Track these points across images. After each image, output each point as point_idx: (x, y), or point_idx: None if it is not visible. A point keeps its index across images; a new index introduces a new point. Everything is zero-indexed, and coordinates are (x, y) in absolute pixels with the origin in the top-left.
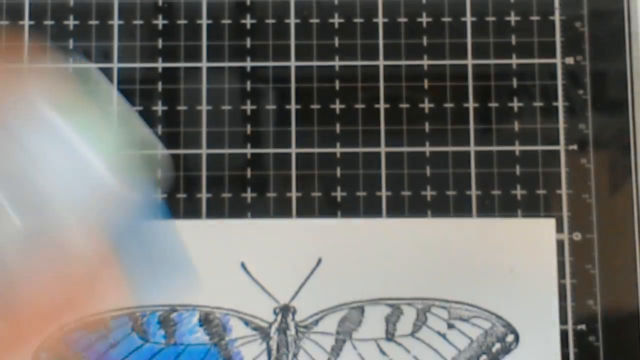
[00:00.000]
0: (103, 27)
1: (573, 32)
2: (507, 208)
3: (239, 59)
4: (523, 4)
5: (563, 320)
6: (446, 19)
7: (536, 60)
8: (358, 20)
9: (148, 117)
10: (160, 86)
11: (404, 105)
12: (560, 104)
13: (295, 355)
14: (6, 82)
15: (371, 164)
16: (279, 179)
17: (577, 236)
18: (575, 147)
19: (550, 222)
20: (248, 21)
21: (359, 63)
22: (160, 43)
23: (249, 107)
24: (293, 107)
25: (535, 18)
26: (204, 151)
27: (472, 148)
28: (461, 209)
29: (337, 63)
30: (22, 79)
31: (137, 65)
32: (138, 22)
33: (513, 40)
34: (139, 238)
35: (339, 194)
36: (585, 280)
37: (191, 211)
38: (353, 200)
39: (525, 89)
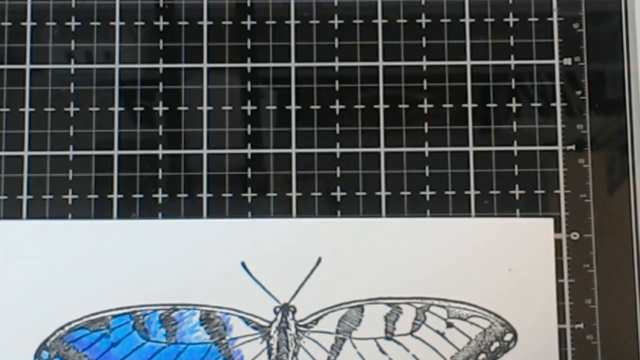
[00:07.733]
0: (105, 28)
1: (571, 33)
2: (506, 208)
3: (240, 59)
4: (521, 5)
5: (561, 319)
6: (445, 20)
7: (534, 61)
8: (358, 21)
9: (149, 117)
10: (161, 87)
11: (403, 106)
12: (558, 104)
13: (295, 354)
14: None
15: (371, 164)
16: (279, 179)
17: (575, 236)
18: (573, 147)
19: (549, 222)
20: (248, 22)
21: (358, 64)
22: (161, 44)
23: (249, 107)
24: (293, 107)
25: (533, 19)
26: (204, 151)
27: (471, 148)
28: (460, 208)
29: (337, 64)
30: None
31: (139, 66)
32: (139, 23)
33: (511, 41)
34: None
35: (338, 193)
36: (583, 280)
37: (192, 211)
38: (353, 200)
39: (524, 89)
